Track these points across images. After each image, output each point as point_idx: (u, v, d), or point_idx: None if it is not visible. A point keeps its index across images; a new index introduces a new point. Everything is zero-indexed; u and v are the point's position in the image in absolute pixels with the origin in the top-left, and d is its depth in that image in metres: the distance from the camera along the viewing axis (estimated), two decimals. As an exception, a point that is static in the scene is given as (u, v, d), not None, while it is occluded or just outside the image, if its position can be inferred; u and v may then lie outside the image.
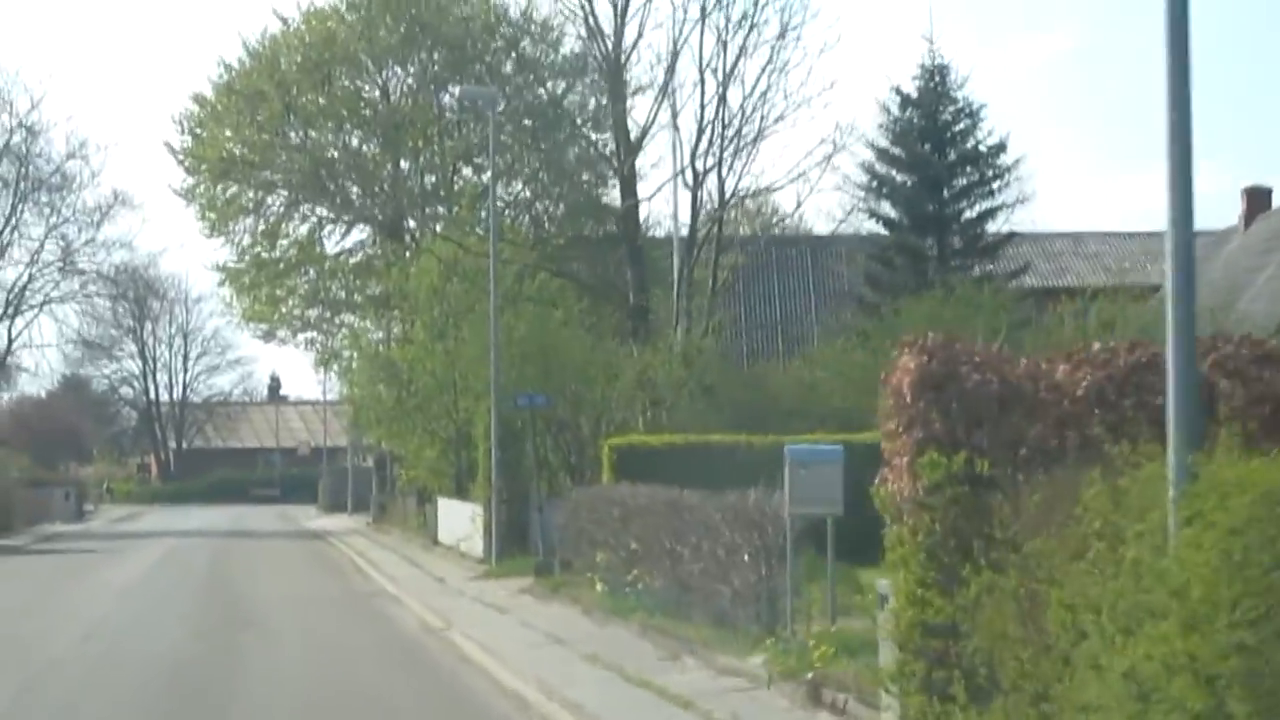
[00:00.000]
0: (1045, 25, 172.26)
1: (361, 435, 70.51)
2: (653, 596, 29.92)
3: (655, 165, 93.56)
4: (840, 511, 23.20)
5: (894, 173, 64.32)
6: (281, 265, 74.67)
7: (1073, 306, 45.01)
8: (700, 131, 56.23)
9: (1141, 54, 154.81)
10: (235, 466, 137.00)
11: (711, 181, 56.57)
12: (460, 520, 53.30)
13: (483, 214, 64.62)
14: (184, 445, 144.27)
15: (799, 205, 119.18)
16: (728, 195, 57.10)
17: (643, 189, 60.65)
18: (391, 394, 60.50)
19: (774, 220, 72.58)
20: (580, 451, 46.59)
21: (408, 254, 67.44)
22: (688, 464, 36.88)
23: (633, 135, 61.09)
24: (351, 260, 76.11)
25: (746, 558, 24.98)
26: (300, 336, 77.42)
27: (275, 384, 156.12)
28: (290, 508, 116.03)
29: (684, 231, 58.21)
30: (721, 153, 55.44)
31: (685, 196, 57.11)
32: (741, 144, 55.22)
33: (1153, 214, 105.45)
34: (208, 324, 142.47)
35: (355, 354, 61.98)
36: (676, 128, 57.39)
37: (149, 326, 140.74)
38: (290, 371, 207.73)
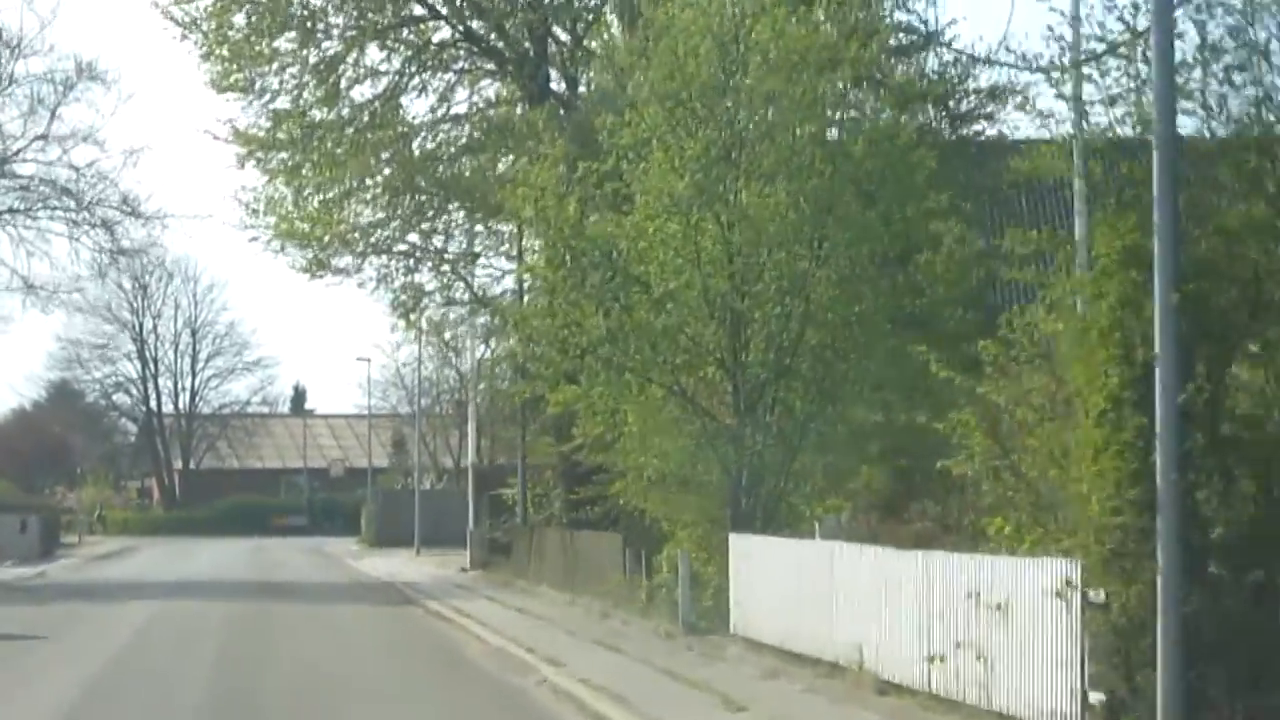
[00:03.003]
0: None
1: (531, 400, 35.05)
2: None
3: None
4: None
5: None
6: (342, 140, 40.28)
7: None
8: None
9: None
10: (253, 490, 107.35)
11: None
12: (844, 587, 19.10)
13: None
14: (192, 465, 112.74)
15: None
16: None
17: None
18: (592, 316, 26.32)
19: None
20: None
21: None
22: None
23: None
24: (459, 138, 41.74)
25: None
26: (370, 266, 43.10)
27: (300, 395, 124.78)
28: (323, 541, 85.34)
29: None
30: None
31: None
32: None
33: None
34: (220, 317, 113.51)
35: (529, 214, 26.87)
36: None
37: (149, 321, 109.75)
38: (318, 379, 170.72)
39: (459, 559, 57.82)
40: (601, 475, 35.44)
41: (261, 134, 40.40)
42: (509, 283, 43.89)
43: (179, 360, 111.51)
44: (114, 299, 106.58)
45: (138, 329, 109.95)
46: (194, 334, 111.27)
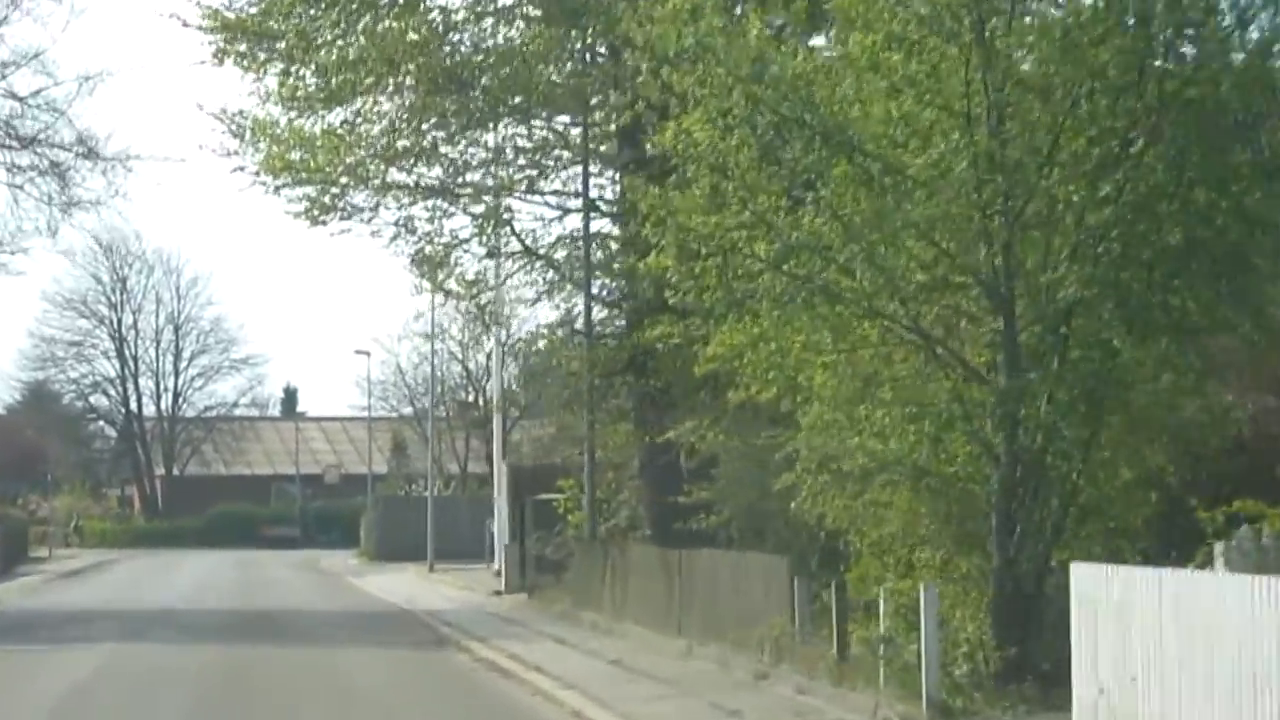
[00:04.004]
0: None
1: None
2: None
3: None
4: None
5: None
6: (353, 32, 29.44)
7: None
8: None
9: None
10: (241, 498, 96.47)
11: None
12: None
13: None
14: (175, 471, 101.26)
15: None
16: None
17: None
18: (781, 208, 15.33)
19: None
20: None
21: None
22: None
23: None
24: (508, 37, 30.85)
25: None
26: (386, 209, 32.24)
27: (291, 396, 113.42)
28: (318, 554, 75.76)
29: None
30: None
31: None
32: None
33: None
34: (205, 313, 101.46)
35: (687, 42, 15.74)
36: None
37: (129, 316, 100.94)
38: (310, 378, 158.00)
39: (483, 578, 47.08)
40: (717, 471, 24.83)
41: (248, 19, 29.41)
42: (568, 225, 33.13)
43: (161, 359, 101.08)
44: (90, 292, 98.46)
45: (116, 325, 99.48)
46: (177, 330, 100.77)
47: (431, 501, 56.60)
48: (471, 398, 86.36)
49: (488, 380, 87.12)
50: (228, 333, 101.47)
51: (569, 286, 32.69)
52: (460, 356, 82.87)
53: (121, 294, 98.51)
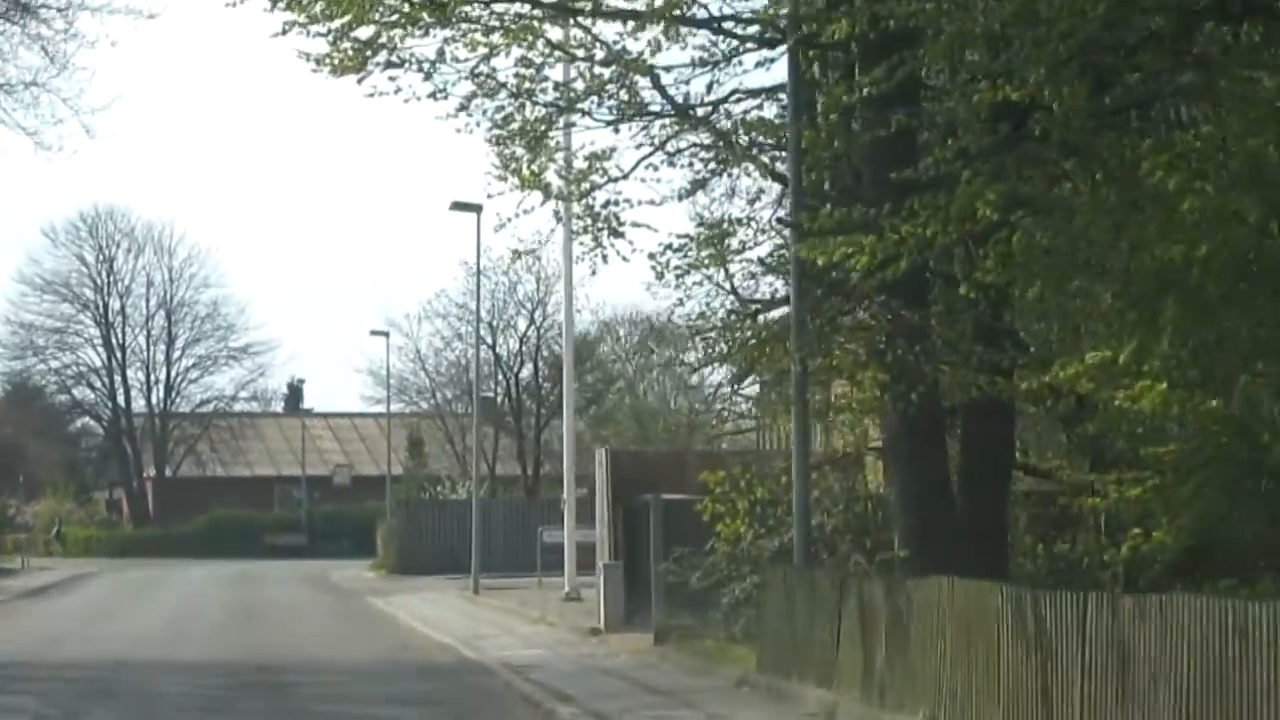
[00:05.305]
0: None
1: None
2: None
3: None
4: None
5: None
6: None
7: None
8: None
9: None
10: (241, 503, 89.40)
11: None
12: None
13: None
14: (167, 472, 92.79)
15: None
16: None
17: None
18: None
19: None
20: None
21: None
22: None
23: None
24: None
25: None
26: (456, 59, 19.90)
27: (295, 390, 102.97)
28: (328, 565, 65.68)
29: None
30: None
31: None
32: None
33: None
34: (201, 296, 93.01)
35: None
36: None
37: (115, 300, 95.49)
38: (316, 369, 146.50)
39: (550, 603, 34.83)
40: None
41: None
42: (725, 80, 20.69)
43: (151, 347, 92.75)
44: (73, 274, 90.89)
45: (102, 310, 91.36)
46: (169, 316, 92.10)
47: (476, 504, 44.22)
48: (501, 390, 75.56)
49: (521, 368, 76.76)
50: (226, 318, 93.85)
51: (748, 167, 20.37)
52: (490, 341, 71.52)
53: (108, 275, 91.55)
